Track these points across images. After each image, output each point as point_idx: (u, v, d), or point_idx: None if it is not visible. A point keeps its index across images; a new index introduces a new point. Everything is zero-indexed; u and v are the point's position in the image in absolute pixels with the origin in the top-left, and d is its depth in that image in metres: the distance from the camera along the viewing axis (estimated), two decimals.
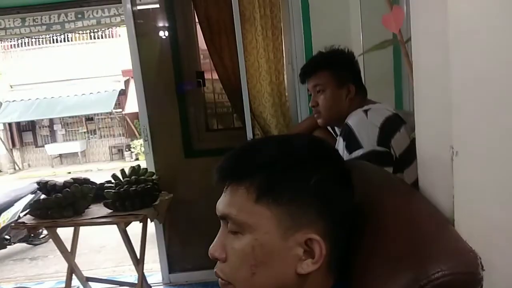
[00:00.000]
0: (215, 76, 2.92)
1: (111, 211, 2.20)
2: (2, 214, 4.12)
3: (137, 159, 12.15)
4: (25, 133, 14.31)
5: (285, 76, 2.81)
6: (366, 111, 1.34)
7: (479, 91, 0.58)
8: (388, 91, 2.04)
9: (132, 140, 13.25)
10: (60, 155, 14.02)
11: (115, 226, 2.23)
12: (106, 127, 14.37)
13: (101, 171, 10.58)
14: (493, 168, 0.58)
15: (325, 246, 0.61)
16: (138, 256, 2.32)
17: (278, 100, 2.79)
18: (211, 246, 0.66)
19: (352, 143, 1.29)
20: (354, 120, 1.33)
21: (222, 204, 0.64)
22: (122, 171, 2.45)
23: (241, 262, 0.62)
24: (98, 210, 2.26)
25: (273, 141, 0.68)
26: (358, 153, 1.27)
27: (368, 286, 0.61)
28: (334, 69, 1.44)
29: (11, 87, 13.47)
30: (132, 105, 11.53)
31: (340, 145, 1.35)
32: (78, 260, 2.48)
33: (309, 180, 0.61)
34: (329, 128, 1.71)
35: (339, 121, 1.46)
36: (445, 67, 0.62)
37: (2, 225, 4.12)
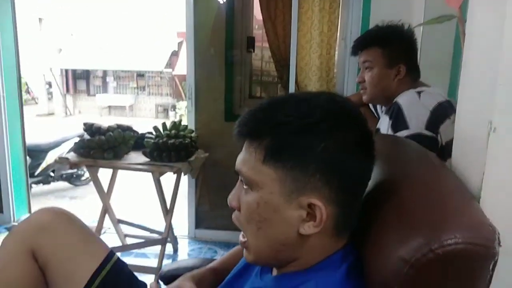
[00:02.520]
0: (265, 44, 2.91)
1: (148, 160, 2.29)
2: (49, 153, 4.39)
3: (180, 120, 12.45)
4: (79, 80, 15.03)
5: (337, 52, 2.75)
6: (419, 93, 1.29)
7: None
8: (444, 77, 1.95)
9: (178, 101, 13.57)
10: (110, 106, 14.64)
11: (150, 178, 2.33)
12: (155, 85, 14.78)
13: (145, 127, 10.94)
14: None
15: (327, 212, 0.61)
16: (168, 207, 2.42)
17: (325, 75, 2.75)
18: (229, 195, 0.69)
19: (399, 122, 1.24)
20: (405, 99, 1.28)
21: (238, 160, 0.67)
22: (164, 124, 2.54)
23: (249, 215, 0.65)
24: (137, 157, 2.35)
25: (291, 102, 0.65)
26: (403, 133, 1.23)
27: (380, 250, 0.61)
28: (386, 47, 1.37)
29: (72, 35, 14.07)
30: (182, 67, 11.71)
31: (385, 123, 1.30)
32: (112, 204, 2.61)
33: (316, 147, 0.59)
34: (371, 107, 1.68)
35: (386, 100, 1.42)
36: (497, 44, 0.59)
37: (49, 162, 4.40)
